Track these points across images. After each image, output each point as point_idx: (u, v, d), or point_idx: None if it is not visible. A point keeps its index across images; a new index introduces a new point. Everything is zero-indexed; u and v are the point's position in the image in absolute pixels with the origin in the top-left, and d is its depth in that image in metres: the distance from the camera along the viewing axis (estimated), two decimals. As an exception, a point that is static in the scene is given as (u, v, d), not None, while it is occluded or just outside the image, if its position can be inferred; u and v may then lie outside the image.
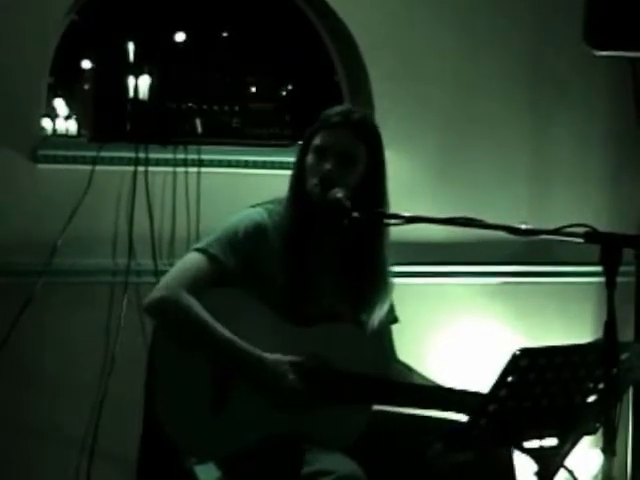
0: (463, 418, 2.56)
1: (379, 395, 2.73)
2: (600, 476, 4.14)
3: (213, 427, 2.67)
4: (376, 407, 2.85)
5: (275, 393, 2.67)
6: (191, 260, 2.77)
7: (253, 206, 2.85)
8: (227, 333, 2.67)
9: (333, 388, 2.69)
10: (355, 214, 2.66)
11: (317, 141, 2.78)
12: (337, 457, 2.60)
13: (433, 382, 2.85)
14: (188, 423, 2.67)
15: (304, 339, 2.72)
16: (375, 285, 2.84)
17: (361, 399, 2.72)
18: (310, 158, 2.78)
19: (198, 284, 2.71)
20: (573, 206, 4.31)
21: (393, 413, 2.86)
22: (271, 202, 2.85)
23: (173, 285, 2.72)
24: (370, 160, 2.81)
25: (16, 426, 3.73)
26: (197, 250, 2.77)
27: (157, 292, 2.73)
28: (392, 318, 2.97)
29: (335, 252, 2.84)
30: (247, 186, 3.90)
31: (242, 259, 2.74)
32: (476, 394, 2.58)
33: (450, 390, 2.69)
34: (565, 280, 4.32)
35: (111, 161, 3.85)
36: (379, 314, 2.85)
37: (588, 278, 4.15)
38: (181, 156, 3.92)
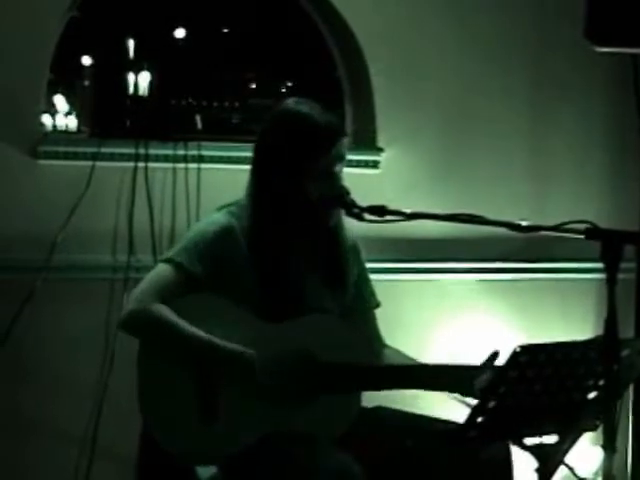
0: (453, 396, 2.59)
1: (365, 381, 2.74)
2: (600, 473, 4.13)
3: (208, 436, 2.66)
4: (375, 404, 2.86)
5: (260, 385, 2.66)
6: (158, 272, 2.75)
7: (219, 209, 2.84)
8: (202, 334, 2.65)
9: (317, 379, 2.69)
10: (356, 210, 2.68)
11: (320, 164, 2.73)
12: (335, 454, 2.59)
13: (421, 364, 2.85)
14: (183, 437, 2.67)
15: (286, 334, 2.72)
16: (344, 269, 2.85)
17: (348, 388, 2.73)
18: (312, 178, 2.73)
19: (167, 294, 2.70)
20: (573, 203, 4.31)
21: (393, 411, 2.86)
22: (233, 204, 2.84)
23: (142, 298, 2.71)
24: None
25: (15, 423, 3.73)
26: (163, 261, 2.77)
27: (128, 307, 2.73)
28: (375, 303, 2.97)
29: (308, 247, 2.84)
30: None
31: (211, 264, 2.73)
32: (463, 367, 2.59)
33: (435, 366, 2.72)
34: (565, 277, 4.32)
35: (111, 157, 3.85)
36: (350, 287, 2.87)
37: (588, 275, 4.15)
38: (181, 152, 3.92)
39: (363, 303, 2.94)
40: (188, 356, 2.68)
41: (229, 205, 2.84)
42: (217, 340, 2.66)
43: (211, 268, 2.73)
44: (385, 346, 2.97)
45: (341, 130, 2.80)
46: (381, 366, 2.86)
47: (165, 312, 2.67)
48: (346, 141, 2.80)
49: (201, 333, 2.66)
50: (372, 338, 2.95)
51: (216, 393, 2.67)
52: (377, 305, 2.98)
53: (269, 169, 2.80)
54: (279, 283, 2.76)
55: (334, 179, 2.75)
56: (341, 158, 2.77)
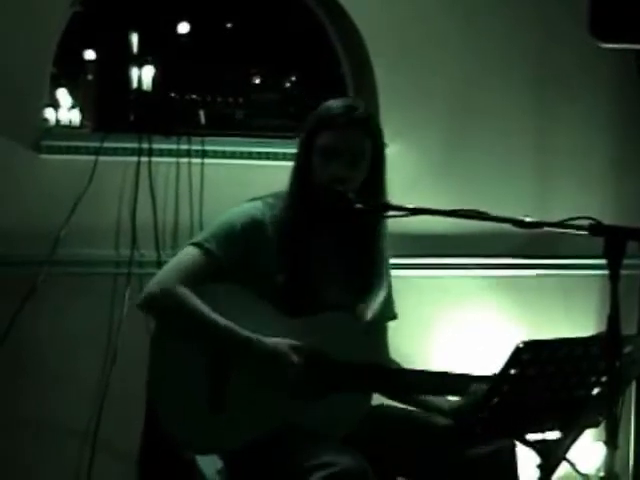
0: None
1: (376, 383, 2.74)
2: (602, 469, 4.14)
3: (213, 425, 2.67)
4: (380, 402, 2.86)
5: (276, 373, 2.67)
6: (186, 254, 2.77)
7: (252, 199, 2.85)
8: (224, 320, 2.67)
9: (331, 378, 2.69)
10: (359, 205, 2.67)
11: (324, 141, 2.75)
12: (341, 450, 2.59)
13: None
14: (188, 423, 2.67)
15: (301, 330, 2.72)
16: (374, 276, 2.84)
17: (359, 388, 2.72)
18: (317, 159, 2.76)
19: (193, 278, 2.71)
20: (577, 199, 4.30)
21: (396, 409, 2.86)
22: (270, 196, 2.84)
23: (167, 280, 2.72)
24: (374, 154, 2.80)
25: (17, 418, 3.73)
26: (193, 245, 2.77)
27: (150, 287, 2.74)
28: (392, 315, 2.97)
29: (334, 245, 2.83)
30: (250, 178, 3.90)
31: (238, 254, 2.74)
32: (474, 377, 2.59)
33: (447, 374, 2.70)
34: (568, 273, 4.31)
35: (114, 152, 3.85)
36: (376, 302, 2.85)
37: (592, 271, 4.14)
38: (184, 147, 3.92)
39: (379, 311, 2.91)
40: (206, 340, 2.69)
41: (267, 196, 2.85)
42: (236, 327, 2.66)
43: (238, 259, 2.74)
44: (390, 361, 2.96)
45: (359, 121, 2.76)
46: (394, 369, 2.86)
47: (188, 295, 2.69)
48: (364, 144, 2.76)
49: (221, 318, 2.67)
50: (382, 343, 2.94)
51: (227, 382, 2.68)
52: (393, 317, 2.97)
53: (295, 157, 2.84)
54: (299, 277, 2.76)
55: (336, 165, 2.72)
56: (350, 153, 2.74)
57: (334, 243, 2.83)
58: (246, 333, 2.67)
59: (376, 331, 2.91)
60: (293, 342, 2.68)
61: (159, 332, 2.75)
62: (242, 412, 2.67)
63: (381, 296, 2.87)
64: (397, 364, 2.95)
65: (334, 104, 2.80)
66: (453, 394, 2.69)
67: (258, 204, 2.81)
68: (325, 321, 2.75)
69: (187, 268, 2.73)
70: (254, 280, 2.74)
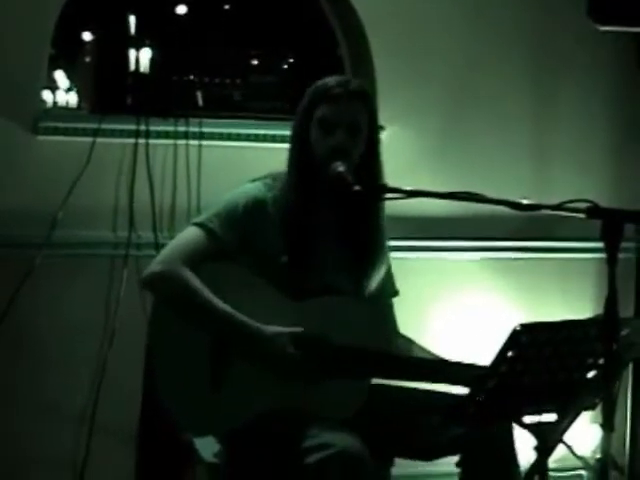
0: (463, 390, 2.57)
1: (378, 369, 2.73)
2: (598, 451, 4.15)
3: (212, 404, 2.68)
4: (376, 381, 2.86)
5: (274, 364, 2.67)
6: (189, 234, 2.77)
7: (252, 181, 2.85)
8: (225, 306, 2.67)
9: (331, 362, 2.69)
10: (357, 187, 2.66)
11: (321, 114, 2.76)
12: (338, 431, 2.59)
13: (435, 355, 2.86)
14: (187, 400, 2.68)
15: (303, 313, 2.72)
16: (374, 254, 2.84)
17: (360, 373, 2.72)
18: (316, 133, 2.76)
19: (195, 258, 2.72)
20: (575, 182, 4.30)
21: (394, 387, 2.86)
22: (268, 177, 2.85)
23: (170, 259, 2.73)
24: (370, 130, 2.81)
25: (14, 399, 3.73)
26: (195, 224, 2.78)
27: (154, 266, 2.74)
28: (393, 291, 2.97)
29: (335, 225, 2.84)
30: (248, 159, 3.89)
31: (241, 234, 2.75)
32: (477, 366, 2.59)
33: (450, 363, 2.70)
34: (566, 256, 4.31)
35: (112, 133, 3.85)
36: (376, 279, 2.85)
37: (589, 254, 4.15)
38: (182, 129, 3.91)
39: (379, 287, 2.90)
40: (205, 325, 2.69)
41: (265, 177, 2.85)
42: (236, 313, 2.67)
43: (241, 240, 2.75)
44: (401, 336, 2.97)
45: (355, 93, 2.77)
46: (396, 355, 2.84)
47: (190, 278, 2.69)
48: (361, 116, 2.76)
49: (222, 304, 2.67)
50: (387, 325, 2.94)
51: (227, 362, 2.68)
52: (395, 293, 2.98)
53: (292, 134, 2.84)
54: (300, 257, 2.76)
55: (335, 137, 2.72)
56: (349, 123, 2.74)
57: (335, 222, 2.83)
58: (246, 321, 2.67)
59: (381, 310, 2.91)
60: (293, 331, 2.68)
61: (159, 309, 2.75)
62: (241, 392, 2.67)
63: (382, 271, 2.87)
64: (408, 339, 2.95)
65: (330, 79, 2.81)
66: (455, 383, 2.67)
67: (259, 185, 2.82)
68: (329, 305, 2.74)
69: (190, 249, 2.74)
70: (257, 261, 2.75)
